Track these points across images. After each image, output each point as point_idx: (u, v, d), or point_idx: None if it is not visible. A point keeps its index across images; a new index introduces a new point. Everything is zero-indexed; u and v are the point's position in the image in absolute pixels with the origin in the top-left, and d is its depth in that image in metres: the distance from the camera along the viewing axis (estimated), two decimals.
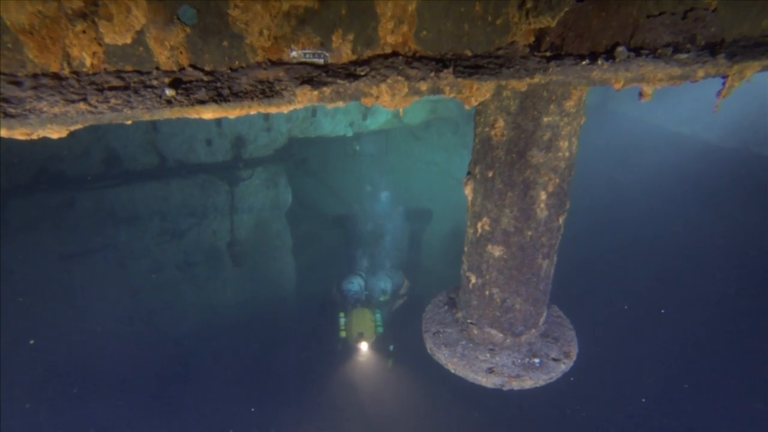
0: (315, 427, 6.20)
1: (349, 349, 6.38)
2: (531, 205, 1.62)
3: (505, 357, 1.78)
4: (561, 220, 1.72)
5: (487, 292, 1.71)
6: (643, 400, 6.12)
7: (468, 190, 1.72)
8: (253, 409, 6.33)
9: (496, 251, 1.65)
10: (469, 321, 1.82)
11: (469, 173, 1.74)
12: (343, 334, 6.25)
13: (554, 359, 1.81)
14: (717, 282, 6.30)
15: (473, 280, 1.74)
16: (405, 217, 8.48)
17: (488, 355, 1.78)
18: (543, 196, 1.62)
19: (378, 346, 6.35)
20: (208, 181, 6.55)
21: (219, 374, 6.75)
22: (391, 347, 6.32)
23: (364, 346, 6.19)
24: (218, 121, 6.24)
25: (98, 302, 6.40)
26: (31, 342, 6.02)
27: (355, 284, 6.69)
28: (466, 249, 1.78)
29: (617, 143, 7.77)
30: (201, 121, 6.08)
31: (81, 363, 6.25)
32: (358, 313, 6.20)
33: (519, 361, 1.77)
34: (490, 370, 1.73)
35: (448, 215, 8.86)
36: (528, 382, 1.71)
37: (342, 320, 6.28)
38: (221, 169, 6.54)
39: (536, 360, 1.78)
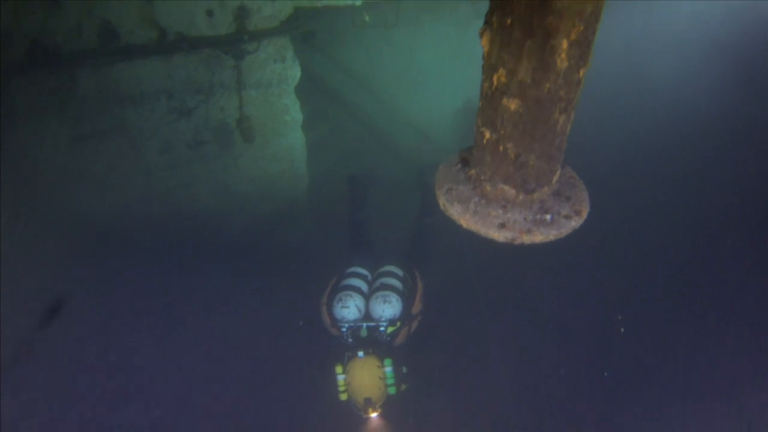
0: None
1: (356, 416, 4.64)
2: (551, 55, 1.53)
3: (516, 213, 1.80)
4: (582, 74, 1.63)
5: (501, 148, 1.68)
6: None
7: (484, 41, 1.62)
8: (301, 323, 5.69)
9: (512, 104, 1.59)
10: (482, 178, 1.81)
11: (486, 23, 1.63)
12: (343, 396, 4.63)
13: (565, 216, 1.83)
14: (744, 165, 6.05)
15: (487, 135, 1.70)
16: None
17: (500, 211, 1.80)
18: (564, 44, 1.51)
19: (393, 409, 4.69)
20: (213, 55, 6.33)
21: (232, 248, 6.95)
22: (405, 369, 4.80)
23: (374, 416, 4.51)
24: None
25: (113, 183, 6.51)
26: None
27: (352, 309, 4.72)
28: (480, 104, 1.72)
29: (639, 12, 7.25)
30: None
31: (97, 235, 6.38)
32: (361, 369, 4.49)
33: (530, 217, 1.79)
34: (502, 225, 1.76)
35: (459, 92, 8.65)
36: (538, 237, 1.74)
37: (341, 378, 4.59)
38: (225, 43, 6.28)
39: (547, 216, 1.80)
